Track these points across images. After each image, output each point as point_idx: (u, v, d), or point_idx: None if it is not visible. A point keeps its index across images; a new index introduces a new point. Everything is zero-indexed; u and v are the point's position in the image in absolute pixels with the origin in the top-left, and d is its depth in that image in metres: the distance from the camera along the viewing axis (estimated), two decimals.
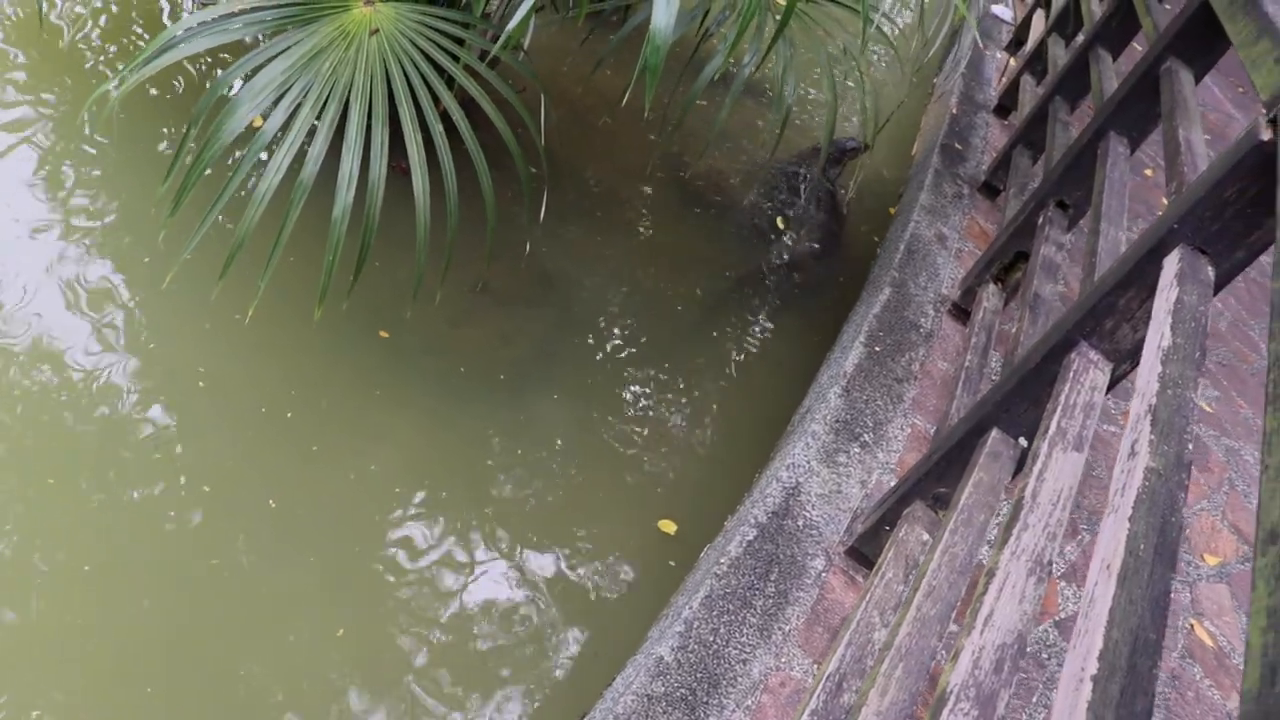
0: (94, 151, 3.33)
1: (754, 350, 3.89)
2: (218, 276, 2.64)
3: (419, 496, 2.87)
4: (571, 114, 4.53)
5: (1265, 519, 0.84)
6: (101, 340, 2.85)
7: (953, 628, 2.20)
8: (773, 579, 2.39)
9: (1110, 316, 1.90)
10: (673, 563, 2.96)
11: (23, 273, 2.91)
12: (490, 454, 3.06)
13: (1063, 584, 2.72)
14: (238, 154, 3.51)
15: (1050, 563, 1.53)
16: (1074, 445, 1.75)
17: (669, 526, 3.08)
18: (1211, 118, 6.91)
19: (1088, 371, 1.89)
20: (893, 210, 4.84)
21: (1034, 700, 2.42)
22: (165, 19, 4.03)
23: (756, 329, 3.98)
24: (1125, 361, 1.94)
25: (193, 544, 2.55)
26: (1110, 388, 1.96)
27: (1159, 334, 1.56)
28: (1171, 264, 1.74)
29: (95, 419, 2.69)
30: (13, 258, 2.94)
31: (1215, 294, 1.75)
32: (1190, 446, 1.33)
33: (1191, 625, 2.90)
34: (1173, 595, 2.91)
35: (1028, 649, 2.52)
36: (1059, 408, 1.80)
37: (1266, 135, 1.59)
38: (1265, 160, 1.59)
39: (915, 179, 4.62)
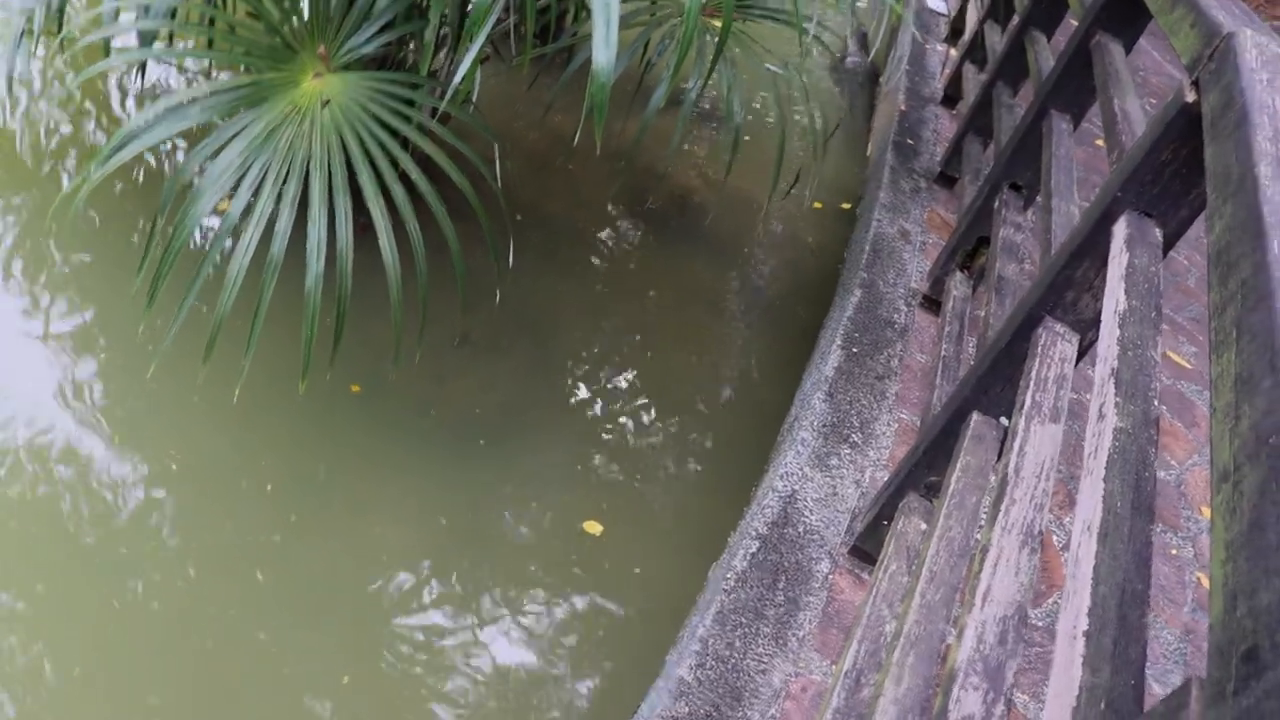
0: (63, 252, 3.37)
1: (735, 368, 3.94)
2: (198, 359, 2.68)
3: (411, 557, 2.88)
4: (528, 159, 4.59)
5: (1217, 459, 0.88)
6: (88, 436, 2.88)
7: (959, 610, 2.25)
8: (781, 587, 2.43)
9: (1070, 289, 1.96)
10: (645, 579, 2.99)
11: (4, 378, 2.94)
12: (482, 504, 3.08)
13: (1066, 555, 2.76)
14: (208, 233, 3.56)
15: (1040, 533, 1.58)
16: (1050, 417, 1.80)
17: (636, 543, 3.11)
18: (1154, 81, 7.02)
19: (1056, 345, 1.94)
20: (848, 206, 4.92)
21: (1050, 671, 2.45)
22: (119, 111, 4.09)
23: (734, 346, 4.03)
24: (1090, 330, 1.99)
25: (185, 629, 2.55)
26: (1080, 357, 2.01)
27: (1114, 299, 1.62)
28: (1120, 231, 1.79)
29: (86, 516, 2.71)
30: None
31: (1166, 253, 1.81)
32: (1155, 403, 1.38)
33: (1199, 579, 2.94)
34: (1176, 551, 2.97)
35: (1039, 622, 2.57)
36: (1032, 383, 1.85)
37: (1191, 97, 1.66)
38: (1193, 121, 1.65)
39: (873, 178, 4.69)
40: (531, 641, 2.79)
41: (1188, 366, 3.84)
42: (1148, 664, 2.55)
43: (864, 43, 7.14)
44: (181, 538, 2.73)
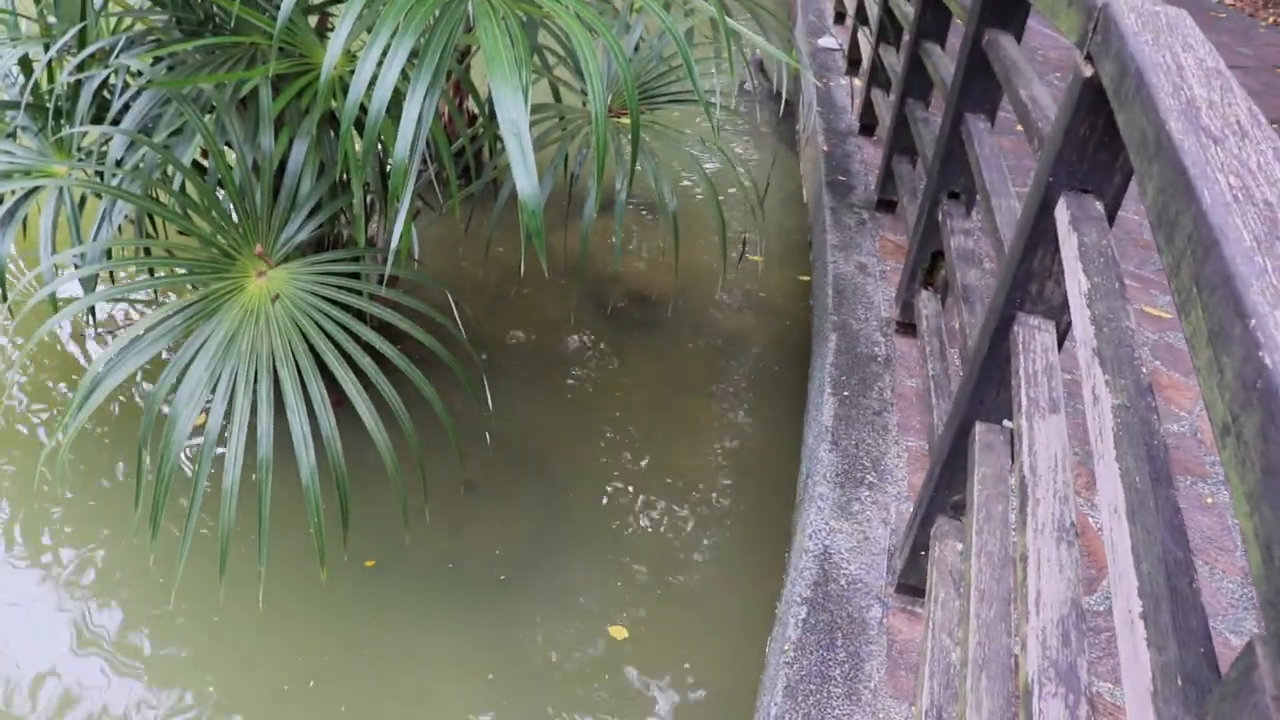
0: (59, 506, 3.37)
1: (735, 440, 3.94)
2: (213, 575, 2.66)
3: (468, 715, 2.85)
4: (483, 295, 4.64)
5: (1214, 415, 0.89)
6: (120, 682, 2.84)
7: (1016, 618, 2.23)
8: (840, 644, 2.41)
9: (1032, 281, 1.98)
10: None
11: (29, 642, 2.91)
12: (521, 641, 3.04)
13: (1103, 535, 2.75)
14: (195, 447, 3.57)
15: (1073, 526, 1.58)
16: (1050, 409, 1.80)
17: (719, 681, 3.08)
18: (1054, 55, 7.18)
19: (1035, 338, 1.96)
20: (805, 277, 4.99)
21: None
22: (80, 357, 4.11)
23: (729, 418, 4.04)
24: (1064, 313, 2.01)
25: None
26: (1062, 341, 2.03)
27: (1076, 280, 1.64)
28: (1063, 213, 1.82)
29: None
30: (15, 631, 2.95)
31: (1112, 222, 1.84)
32: (1144, 371, 1.40)
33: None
34: (1211, 500, 2.96)
35: (1100, 606, 2.55)
36: (1023, 382, 1.86)
37: (1089, 72, 1.70)
38: (1097, 92, 1.69)
39: (816, 223, 4.76)
40: None
41: (1166, 317, 3.87)
42: (1220, 617, 2.53)
43: (762, 67, 7.57)
44: None
